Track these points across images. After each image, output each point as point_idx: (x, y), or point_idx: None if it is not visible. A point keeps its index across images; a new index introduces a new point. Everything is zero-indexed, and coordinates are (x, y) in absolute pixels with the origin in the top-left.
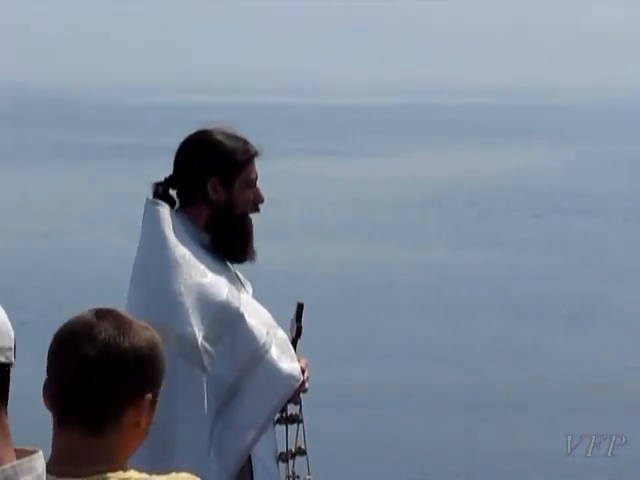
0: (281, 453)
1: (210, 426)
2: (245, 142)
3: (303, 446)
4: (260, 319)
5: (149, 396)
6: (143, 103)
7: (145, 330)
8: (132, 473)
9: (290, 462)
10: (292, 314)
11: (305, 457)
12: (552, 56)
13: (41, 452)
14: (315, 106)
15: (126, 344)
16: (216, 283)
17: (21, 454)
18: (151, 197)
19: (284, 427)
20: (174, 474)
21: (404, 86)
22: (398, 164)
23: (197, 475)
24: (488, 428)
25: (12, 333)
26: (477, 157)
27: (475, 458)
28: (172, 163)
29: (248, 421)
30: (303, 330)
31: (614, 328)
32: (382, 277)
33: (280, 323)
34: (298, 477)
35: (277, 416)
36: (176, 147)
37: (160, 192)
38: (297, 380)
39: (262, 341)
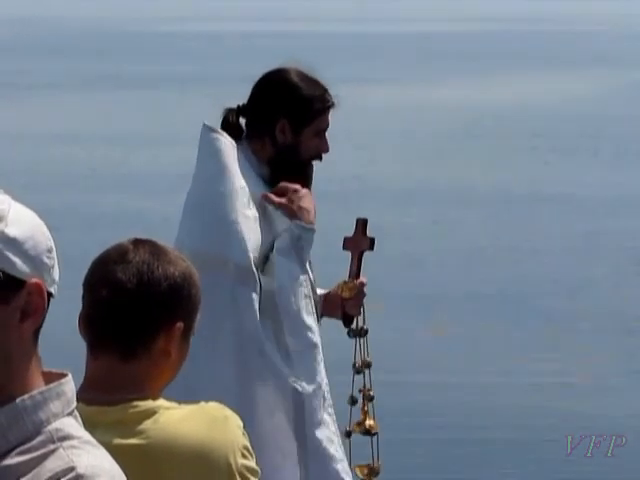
0: (353, 364)
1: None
2: (324, 91)
3: (368, 358)
4: None
5: (180, 325)
6: (188, 31)
7: (181, 260)
8: (161, 402)
9: (365, 373)
10: (352, 231)
11: (369, 371)
12: None
13: (70, 376)
14: (343, 34)
15: (160, 270)
16: (273, 216)
17: (50, 378)
18: (221, 120)
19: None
20: (202, 403)
21: (434, 13)
22: (434, 92)
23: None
24: None
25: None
26: (519, 85)
27: None
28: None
29: None
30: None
31: None
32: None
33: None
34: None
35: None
36: (222, 76)
37: (231, 120)
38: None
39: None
